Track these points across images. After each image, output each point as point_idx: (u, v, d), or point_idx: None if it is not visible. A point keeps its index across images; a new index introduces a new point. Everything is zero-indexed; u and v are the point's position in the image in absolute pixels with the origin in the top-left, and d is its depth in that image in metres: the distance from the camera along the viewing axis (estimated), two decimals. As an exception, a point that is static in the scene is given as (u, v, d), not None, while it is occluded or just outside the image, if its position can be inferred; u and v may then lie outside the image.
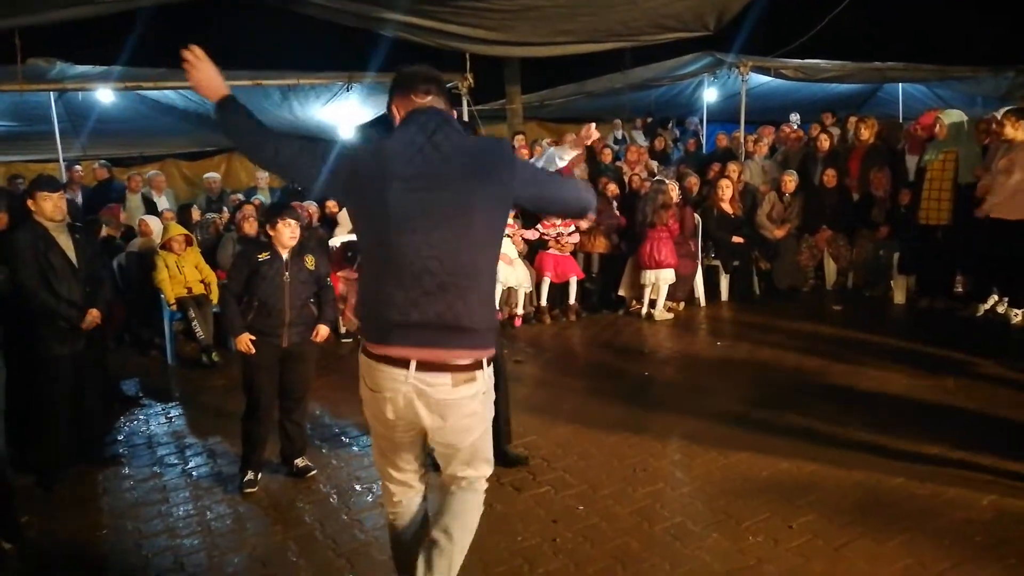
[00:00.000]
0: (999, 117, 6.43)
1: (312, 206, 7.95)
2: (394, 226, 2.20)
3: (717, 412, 4.92)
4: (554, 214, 2.48)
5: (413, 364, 2.22)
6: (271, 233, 4.10)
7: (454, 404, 2.28)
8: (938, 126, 6.81)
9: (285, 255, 4.11)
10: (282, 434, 4.27)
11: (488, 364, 2.34)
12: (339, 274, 6.96)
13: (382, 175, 2.22)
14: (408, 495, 2.57)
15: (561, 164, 3.76)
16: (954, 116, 6.85)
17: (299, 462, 4.26)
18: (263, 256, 4.09)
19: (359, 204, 2.32)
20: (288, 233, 4.09)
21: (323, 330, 4.26)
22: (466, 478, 2.48)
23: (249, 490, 4.11)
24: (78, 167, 9.70)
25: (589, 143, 3.85)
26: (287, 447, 4.28)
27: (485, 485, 2.55)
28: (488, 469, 2.53)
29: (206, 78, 2.32)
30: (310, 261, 4.21)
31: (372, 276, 2.30)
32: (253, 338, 4.05)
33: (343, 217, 7.62)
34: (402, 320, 2.20)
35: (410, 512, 2.59)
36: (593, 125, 3.77)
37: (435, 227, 2.19)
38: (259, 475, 4.19)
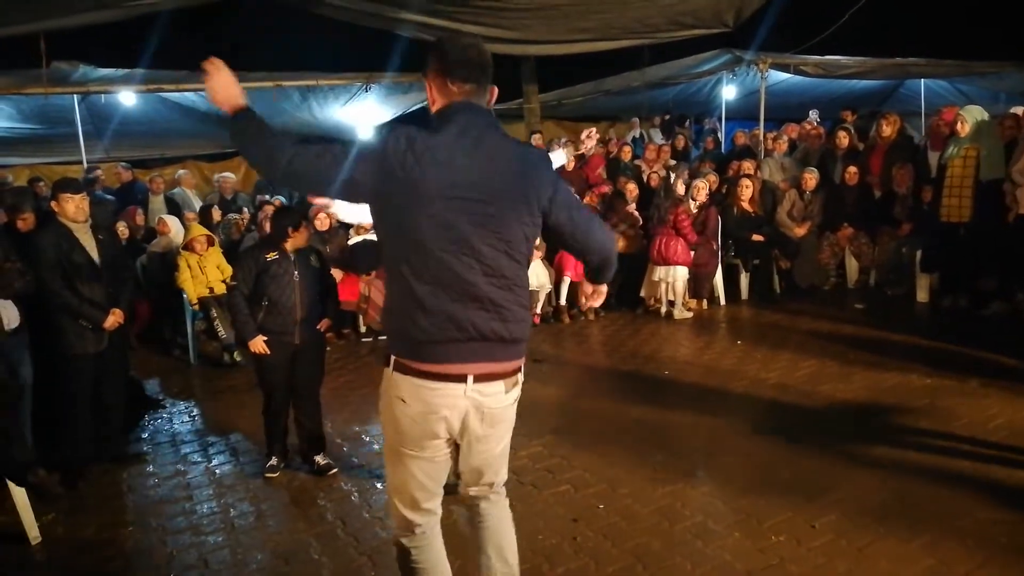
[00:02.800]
0: None
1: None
2: (442, 240, 2.10)
3: (737, 411, 4.90)
4: (575, 249, 2.32)
5: (471, 378, 2.17)
6: (293, 235, 4.17)
7: (504, 410, 2.29)
8: (959, 122, 6.72)
9: (293, 254, 4.19)
10: (299, 430, 4.33)
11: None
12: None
13: (424, 183, 2.08)
14: (432, 522, 2.39)
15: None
16: (975, 112, 6.77)
17: (320, 459, 4.30)
18: (271, 255, 4.17)
19: (394, 213, 2.14)
20: (307, 236, 4.26)
21: (326, 322, 4.37)
22: (494, 484, 2.43)
23: (270, 475, 4.26)
24: (99, 170, 9.78)
25: (583, 150, 3.86)
26: (306, 443, 4.33)
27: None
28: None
29: (222, 85, 2.18)
30: (315, 259, 4.32)
31: (415, 290, 2.13)
32: (266, 339, 4.14)
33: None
34: (459, 336, 2.13)
35: (436, 543, 2.41)
36: (594, 130, 3.76)
37: (483, 242, 2.13)
38: (282, 463, 4.33)
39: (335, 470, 4.26)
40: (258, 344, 4.14)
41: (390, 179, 2.10)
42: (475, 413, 2.23)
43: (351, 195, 2.21)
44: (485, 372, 2.20)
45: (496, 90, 2.29)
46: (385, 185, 2.11)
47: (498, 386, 2.24)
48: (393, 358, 2.22)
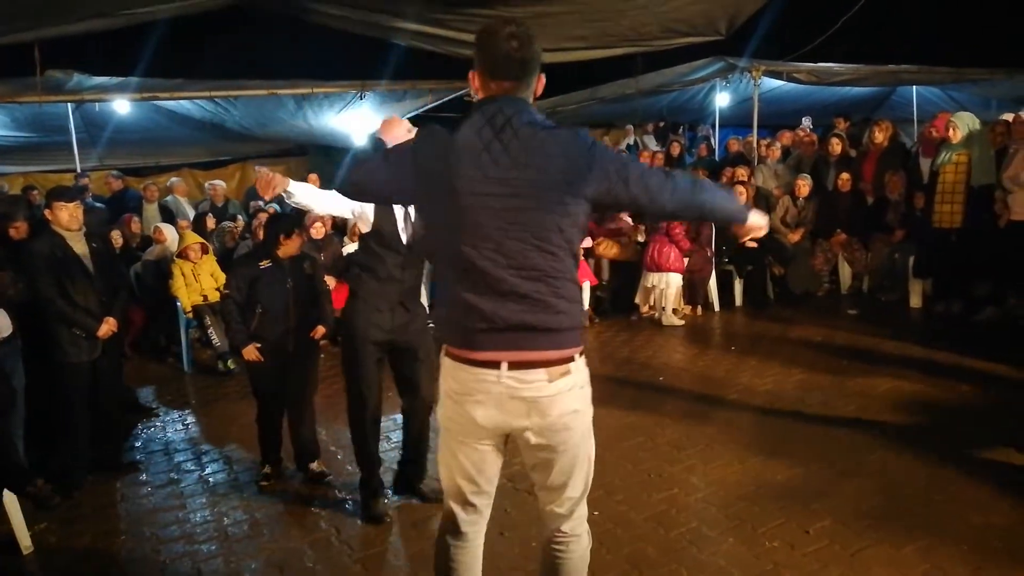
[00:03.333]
0: None
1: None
2: (465, 235, 2.07)
3: (731, 417, 4.90)
4: (656, 217, 2.14)
5: (504, 365, 2.11)
6: (285, 243, 4.16)
7: (552, 400, 2.15)
8: (951, 129, 6.77)
9: (287, 261, 4.19)
10: (293, 437, 4.32)
11: (580, 356, 2.23)
12: None
13: (449, 178, 2.05)
14: (476, 527, 2.36)
15: None
16: (966, 119, 6.81)
17: (314, 467, 4.29)
18: (265, 264, 4.17)
19: (425, 212, 2.23)
20: (299, 244, 4.25)
21: (321, 329, 4.36)
22: (564, 497, 2.30)
23: (264, 483, 4.25)
24: (86, 178, 9.75)
25: None
26: (299, 450, 4.33)
27: (586, 528, 2.39)
28: (584, 506, 2.37)
29: (393, 129, 2.63)
30: (308, 266, 4.33)
31: (448, 282, 2.16)
32: (259, 346, 4.14)
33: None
34: (488, 327, 2.10)
35: (475, 550, 2.38)
36: None
37: (508, 236, 2.05)
38: (276, 471, 4.32)
39: (329, 478, 4.26)
40: (251, 352, 4.15)
41: (418, 179, 2.14)
42: (515, 401, 2.14)
43: (396, 199, 2.36)
44: (520, 360, 2.11)
45: (544, 78, 2.20)
46: (416, 188, 2.17)
47: (539, 374, 2.12)
48: (444, 346, 2.25)
